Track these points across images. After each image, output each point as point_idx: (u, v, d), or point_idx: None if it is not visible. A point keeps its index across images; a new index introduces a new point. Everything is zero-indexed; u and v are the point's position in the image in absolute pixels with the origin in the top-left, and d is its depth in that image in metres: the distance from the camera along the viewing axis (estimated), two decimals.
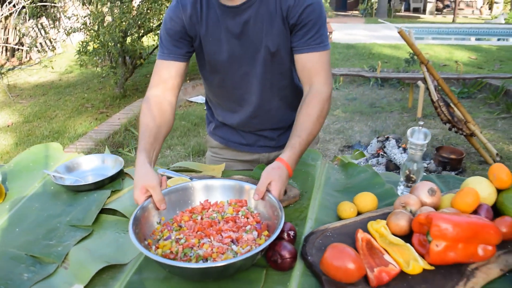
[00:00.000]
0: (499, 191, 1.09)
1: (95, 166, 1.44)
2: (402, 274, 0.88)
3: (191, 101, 6.09)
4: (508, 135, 4.57)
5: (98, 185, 1.30)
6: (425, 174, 1.32)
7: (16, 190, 1.33)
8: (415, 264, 0.88)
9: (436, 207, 1.07)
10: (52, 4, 8.79)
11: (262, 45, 1.33)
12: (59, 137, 4.80)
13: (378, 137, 3.73)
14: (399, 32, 3.16)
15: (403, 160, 3.36)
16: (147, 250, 0.89)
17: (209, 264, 0.87)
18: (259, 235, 0.97)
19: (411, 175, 1.20)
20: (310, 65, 1.31)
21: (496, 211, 1.07)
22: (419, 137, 1.15)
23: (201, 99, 6.10)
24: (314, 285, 0.89)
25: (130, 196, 1.23)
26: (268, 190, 1.06)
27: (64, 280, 0.93)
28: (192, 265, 0.87)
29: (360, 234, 0.94)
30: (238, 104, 1.48)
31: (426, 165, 3.52)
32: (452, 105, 3.63)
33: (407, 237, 0.96)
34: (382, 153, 3.60)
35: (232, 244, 0.95)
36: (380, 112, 5.43)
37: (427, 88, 3.53)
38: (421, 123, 1.16)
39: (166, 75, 1.34)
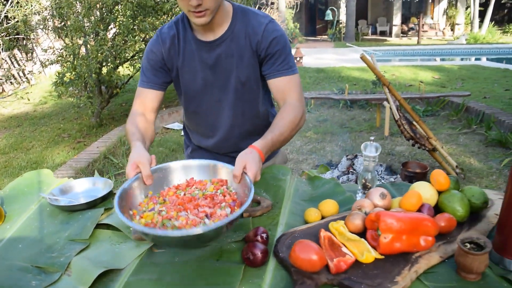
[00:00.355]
0: (439, 192, 1.29)
1: (86, 188, 1.58)
2: (357, 263, 1.05)
3: (168, 128, 6.23)
4: (469, 149, 4.87)
5: (91, 205, 1.44)
6: (383, 182, 1.51)
7: (14, 212, 1.45)
8: (368, 254, 1.05)
9: (387, 209, 1.25)
10: (26, 37, 8.86)
11: (233, 76, 1.52)
12: (37, 167, 4.85)
13: (347, 156, 3.94)
14: (361, 57, 3.41)
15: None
16: (130, 219, 1.06)
17: (174, 232, 1.00)
18: (232, 211, 1.13)
19: (367, 183, 1.38)
20: (283, 87, 1.50)
21: (438, 209, 1.26)
22: (371, 150, 1.34)
23: (177, 125, 6.25)
24: (285, 276, 1.05)
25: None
26: (244, 172, 1.21)
27: (68, 285, 1.06)
28: (159, 232, 1.01)
29: (323, 233, 1.11)
30: (212, 128, 1.67)
31: (393, 180, 3.74)
32: (415, 123, 3.88)
33: (362, 234, 1.14)
34: (351, 170, 3.81)
35: (206, 218, 1.10)
36: (350, 132, 5.69)
37: (391, 108, 3.78)
38: (371, 138, 1.35)
39: (146, 100, 1.54)
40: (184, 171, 1.32)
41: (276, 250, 1.12)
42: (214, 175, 1.31)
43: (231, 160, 1.73)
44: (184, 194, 1.21)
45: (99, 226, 1.32)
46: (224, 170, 1.29)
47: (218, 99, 1.59)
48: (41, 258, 1.17)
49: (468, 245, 1.03)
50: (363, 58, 3.42)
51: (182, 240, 1.01)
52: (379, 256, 1.06)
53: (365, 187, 1.39)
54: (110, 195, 1.51)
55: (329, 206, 1.30)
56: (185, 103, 1.65)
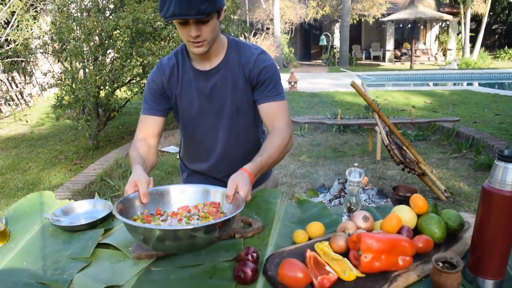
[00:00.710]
0: (419, 215, 1.38)
1: (87, 209, 1.66)
2: (340, 281, 1.13)
3: (164, 151, 6.32)
4: (459, 173, 4.98)
5: (91, 226, 1.52)
6: (369, 206, 1.60)
7: (18, 232, 1.53)
8: (350, 273, 1.14)
9: (369, 231, 1.34)
10: (25, 60, 9.00)
11: (228, 102, 1.65)
12: (34, 189, 4.91)
13: (339, 180, 4.04)
14: (351, 84, 3.54)
15: (361, 200, 3.66)
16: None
17: (168, 227, 1.13)
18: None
19: (352, 207, 1.48)
20: (272, 112, 1.61)
21: (417, 231, 1.35)
22: (355, 175, 1.44)
23: (173, 148, 6.34)
24: None
25: (121, 233, 1.46)
26: (236, 192, 1.30)
27: None
28: (154, 226, 1.13)
29: (308, 253, 1.20)
30: (207, 153, 1.77)
31: (384, 203, 3.83)
32: (404, 147, 4.00)
33: (345, 254, 1.23)
34: (343, 193, 3.90)
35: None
36: (342, 156, 5.79)
37: (381, 133, 3.90)
38: (355, 164, 1.45)
39: (148, 126, 1.65)
40: (179, 195, 1.41)
41: (265, 269, 1.20)
42: (207, 199, 1.40)
43: (225, 186, 1.83)
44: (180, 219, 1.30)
45: (100, 245, 1.40)
46: (217, 194, 1.38)
47: (213, 125, 1.70)
48: (45, 275, 1.25)
49: (441, 264, 1.11)
50: (353, 85, 3.55)
51: (177, 236, 1.10)
52: (360, 275, 1.15)
53: (350, 210, 1.48)
54: (109, 216, 1.59)
55: (316, 228, 1.39)
56: (182, 129, 1.77)
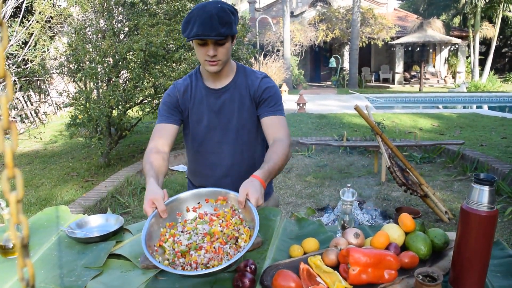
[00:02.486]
0: (407, 233, 1.49)
1: (100, 223, 1.79)
2: None
3: (173, 170, 6.46)
4: (463, 195, 5.03)
5: (104, 238, 1.64)
6: (361, 224, 1.70)
7: (37, 243, 1.66)
8: (339, 284, 1.24)
9: (360, 247, 1.45)
10: (41, 79, 9.28)
11: (234, 118, 1.82)
12: (47, 204, 5.06)
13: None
14: (355, 108, 3.67)
15: (364, 220, 3.75)
16: (154, 257, 1.27)
17: (189, 272, 1.24)
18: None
19: (345, 224, 1.59)
20: (273, 125, 1.78)
21: (405, 248, 1.45)
22: (348, 195, 1.55)
23: (182, 167, 6.48)
24: None
25: (131, 245, 1.58)
26: (247, 199, 1.41)
27: None
28: (179, 272, 1.23)
29: (302, 265, 1.30)
30: (212, 167, 1.92)
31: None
32: (407, 170, 4.09)
33: (336, 267, 1.33)
34: None
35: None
36: (348, 177, 5.88)
37: (383, 156, 4.00)
38: (348, 185, 1.56)
39: (161, 136, 1.79)
40: (194, 199, 1.54)
41: (262, 279, 1.31)
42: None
43: None
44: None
45: (111, 256, 1.52)
46: (231, 195, 1.50)
47: (219, 140, 1.86)
48: (62, 282, 1.37)
49: (422, 277, 1.22)
50: (357, 109, 3.67)
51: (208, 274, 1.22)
52: (349, 286, 1.25)
53: (344, 228, 1.59)
54: (121, 229, 1.72)
55: (311, 243, 1.50)
56: (190, 142, 1.92)
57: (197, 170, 1.99)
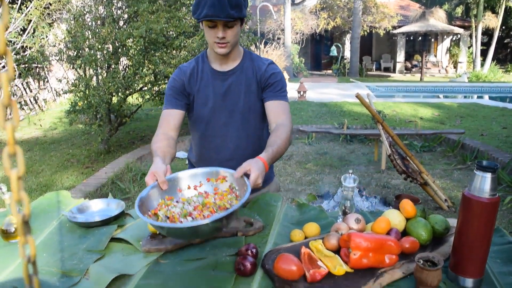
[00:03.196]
0: (408, 219, 1.49)
1: (101, 208, 1.79)
2: (331, 275, 1.24)
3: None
4: (463, 184, 5.05)
5: (105, 222, 1.65)
6: (362, 210, 1.71)
7: (38, 227, 1.66)
8: (340, 268, 1.25)
9: (361, 232, 1.45)
10: (40, 66, 9.24)
11: (240, 101, 1.83)
12: (47, 190, 5.07)
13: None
14: (356, 96, 3.66)
15: (364, 208, 3.76)
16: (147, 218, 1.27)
17: (171, 224, 1.25)
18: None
19: (346, 210, 1.59)
20: (277, 109, 1.80)
21: (406, 233, 1.46)
22: (349, 181, 1.56)
23: (182, 154, 6.48)
24: (270, 285, 1.24)
25: (132, 229, 1.59)
26: (247, 175, 1.41)
27: (87, 287, 1.27)
28: (172, 225, 1.24)
29: (303, 249, 1.31)
30: (217, 150, 1.92)
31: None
32: (408, 158, 4.09)
33: (337, 252, 1.34)
34: None
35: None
36: (348, 165, 5.89)
37: (384, 143, 4.00)
38: (350, 171, 1.56)
39: (169, 121, 1.80)
40: (192, 178, 1.54)
41: (263, 263, 1.32)
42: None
43: None
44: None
45: (113, 240, 1.53)
46: (231, 174, 1.49)
47: (225, 123, 1.86)
48: (64, 265, 1.38)
49: (423, 262, 1.22)
50: (358, 97, 3.66)
51: (192, 229, 1.21)
52: (350, 270, 1.26)
53: (345, 213, 1.59)
54: (122, 214, 1.72)
55: (312, 228, 1.51)
56: (195, 126, 1.92)
57: (202, 153, 1.99)
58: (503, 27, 25.47)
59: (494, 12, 21.56)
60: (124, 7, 6.74)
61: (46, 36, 8.91)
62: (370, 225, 1.48)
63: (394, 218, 1.47)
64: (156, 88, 6.40)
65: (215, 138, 1.89)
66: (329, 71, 23.43)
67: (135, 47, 5.79)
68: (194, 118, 1.90)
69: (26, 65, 8.14)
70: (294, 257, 1.24)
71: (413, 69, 23.11)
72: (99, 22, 6.43)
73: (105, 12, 6.40)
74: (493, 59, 21.22)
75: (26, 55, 8.26)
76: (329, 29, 21.38)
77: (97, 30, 6.02)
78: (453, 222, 1.62)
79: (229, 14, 1.59)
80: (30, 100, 10.95)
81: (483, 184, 1.22)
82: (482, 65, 20.93)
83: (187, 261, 1.37)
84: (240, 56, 1.86)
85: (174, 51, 6.35)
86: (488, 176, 1.21)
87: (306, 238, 1.49)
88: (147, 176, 1.43)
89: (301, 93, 11.47)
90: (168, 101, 1.83)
